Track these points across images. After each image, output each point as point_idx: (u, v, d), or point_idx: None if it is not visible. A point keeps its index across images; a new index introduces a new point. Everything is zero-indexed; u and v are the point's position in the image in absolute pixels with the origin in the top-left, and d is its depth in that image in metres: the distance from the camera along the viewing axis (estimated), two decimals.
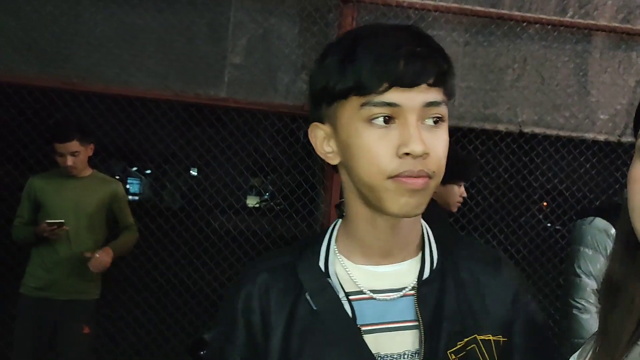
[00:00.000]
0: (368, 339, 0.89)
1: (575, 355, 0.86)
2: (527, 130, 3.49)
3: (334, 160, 0.92)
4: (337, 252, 0.96)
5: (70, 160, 3.07)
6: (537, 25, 3.43)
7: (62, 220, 3.03)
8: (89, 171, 3.25)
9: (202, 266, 4.71)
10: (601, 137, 3.55)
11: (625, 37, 3.49)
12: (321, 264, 0.95)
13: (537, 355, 0.95)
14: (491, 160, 4.47)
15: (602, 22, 3.47)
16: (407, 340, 0.90)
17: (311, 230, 4.12)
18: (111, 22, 3.17)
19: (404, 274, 0.94)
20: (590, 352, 0.81)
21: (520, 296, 0.97)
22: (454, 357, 0.89)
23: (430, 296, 0.92)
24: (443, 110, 0.86)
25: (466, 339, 0.90)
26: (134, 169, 25.26)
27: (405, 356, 0.90)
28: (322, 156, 0.93)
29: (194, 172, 12.73)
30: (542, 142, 4.30)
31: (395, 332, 0.91)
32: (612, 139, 3.55)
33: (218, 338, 0.97)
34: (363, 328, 0.90)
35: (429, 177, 0.84)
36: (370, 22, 3.06)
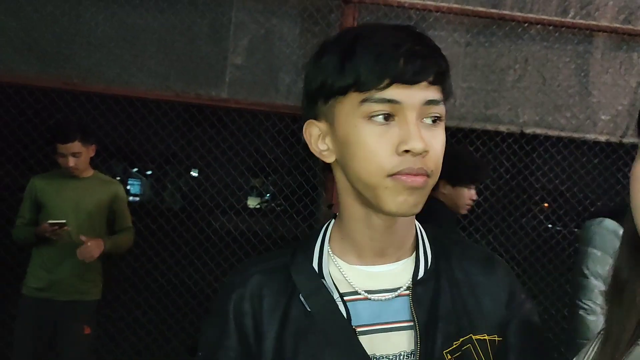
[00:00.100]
0: (363, 340, 0.89)
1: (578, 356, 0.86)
2: (528, 131, 3.48)
3: (328, 158, 0.91)
4: (330, 252, 0.95)
5: (72, 161, 3.07)
6: (538, 26, 3.42)
7: (64, 221, 3.03)
8: (90, 172, 3.25)
9: (203, 267, 4.71)
10: (602, 138, 3.55)
11: (627, 37, 3.49)
12: (315, 264, 0.94)
13: (532, 354, 0.94)
14: (492, 161, 4.46)
15: (604, 23, 3.46)
16: (403, 341, 0.90)
17: (312, 231, 4.11)
18: (112, 22, 3.17)
19: (398, 274, 0.93)
20: (592, 352, 0.81)
21: (515, 296, 0.96)
22: (449, 357, 0.89)
23: (425, 296, 0.91)
24: (441, 109, 0.86)
25: (462, 339, 0.90)
26: (135, 169, 25.26)
27: (401, 357, 0.90)
28: (316, 154, 0.92)
29: (195, 173, 12.72)
30: (543, 143, 4.30)
31: (391, 332, 0.90)
32: (614, 139, 3.55)
33: (209, 343, 0.95)
34: (358, 329, 0.89)
35: (427, 175, 0.84)
36: (370, 22, 3.05)
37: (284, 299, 0.91)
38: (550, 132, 3.52)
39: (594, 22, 3.45)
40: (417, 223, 0.98)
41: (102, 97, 3.66)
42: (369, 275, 0.93)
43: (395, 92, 0.82)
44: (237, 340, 0.91)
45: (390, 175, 0.82)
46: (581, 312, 2.37)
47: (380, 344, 0.89)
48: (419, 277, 0.92)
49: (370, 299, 0.91)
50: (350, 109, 0.85)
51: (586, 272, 2.38)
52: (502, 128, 3.48)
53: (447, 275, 0.94)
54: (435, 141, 0.85)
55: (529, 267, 4.98)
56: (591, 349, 0.82)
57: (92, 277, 3.19)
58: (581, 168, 4.40)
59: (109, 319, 4.38)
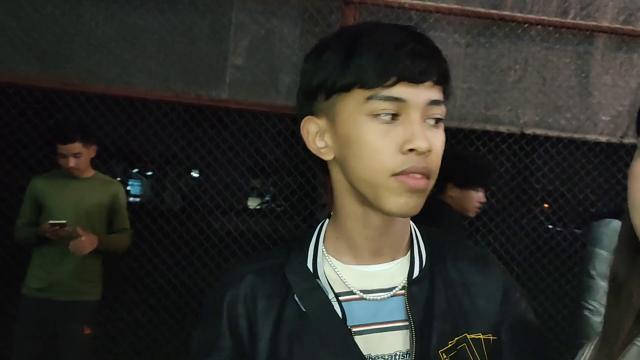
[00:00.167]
0: (359, 340, 0.88)
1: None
2: (528, 131, 3.48)
3: (327, 155, 0.90)
4: (325, 252, 0.95)
5: (72, 162, 3.08)
6: (538, 27, 3.42)
7: (65, 221, 3.03)
8: (90, 172, 3.25)
9: (203, 267, 4.71)
10: (603, 139, 3.54)
11: (627, 38, 3.48)
12: (309, 264, 0.93)
13: (527, 353, 0.94)
14: (493, 161, 4.46)
15: (604, 24, 3.46)
16: (398, 341, 0.90)
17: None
18: (112, 23, 3.17)
19: (394, 273, 0.93)
20: (590, 351, 0.81)
21: (509, 295, 0.96)
22: (445, 356, 0.88)
23: (420, 295, 0.91)
24: (443, 110, 0.87)
25: (457, 338, 0.90)
26: (135, 170, 25.26)
27: (397, 357, 0.89)
28: (313, 151, 0.91)
29: (195, 174, 12.72)
30: (543, 144, 4.30)
31: (386, 332, 0.90)
32: (614, 140, 3.54)
33: (202, 343, 0.93)
34: (354, 329, 0.89)
35: (428, 177, 0.84)
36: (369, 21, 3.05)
37: (278, 300, 0.91)
38: (551, 133, 3.52)
39: (594, 23, 3.45)
40: (411, 222, 0.98)
41: (102, 97, 3.66)
42: (364, 275, 0.92)
43: (401, 90, 0.82)
44: (231, 341, 0.90)
45: (394, 175, 0.82)
46: (586, 312, 2.36)
47: (375, 344, 0.89)
48: (414, 277, 0.92)
49: (365, 299, 0.91)
50: (353, 107, 0.84)
51: (592, 272, 2.37)
52: (503, 129, 3.48)
53: (441, 274, 0.94)
54: (437, 142, 0.85)
55: (529, 267, 4.98)
56: (589, 348, 0.82)
57: (92, 277, 3.19)
58: (581, 169, 4.39)
59: (109, 319, 4.38)
